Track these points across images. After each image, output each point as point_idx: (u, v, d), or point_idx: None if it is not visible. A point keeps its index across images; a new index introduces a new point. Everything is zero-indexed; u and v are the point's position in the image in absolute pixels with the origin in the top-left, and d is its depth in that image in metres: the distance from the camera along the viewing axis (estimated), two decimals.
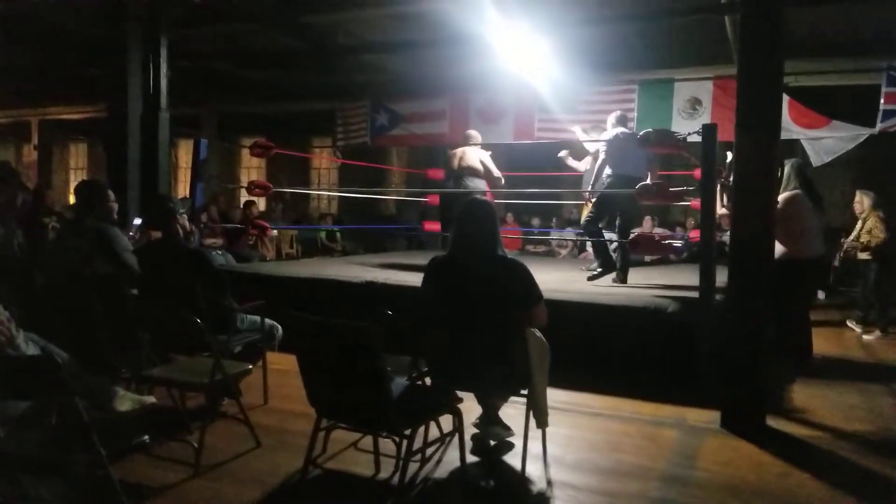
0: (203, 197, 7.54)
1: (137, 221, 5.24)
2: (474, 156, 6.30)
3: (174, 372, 3.27)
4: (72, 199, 5.62)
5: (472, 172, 6.21)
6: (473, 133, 6.57)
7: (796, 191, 4.79)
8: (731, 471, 3.08)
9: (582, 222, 5.93)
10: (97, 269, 3.83)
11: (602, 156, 5.69)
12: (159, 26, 6.38)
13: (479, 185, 6.18)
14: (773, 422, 3.68)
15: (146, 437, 2.29)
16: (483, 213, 2.94)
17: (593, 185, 5.87)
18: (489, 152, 6.50)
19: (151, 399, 3.05)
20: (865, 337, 6.34)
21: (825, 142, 7.51)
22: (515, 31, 6.20)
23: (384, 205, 12.23)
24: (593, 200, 5.83)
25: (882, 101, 6.97)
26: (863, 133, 7.24)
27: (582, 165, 6.89)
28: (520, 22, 6.11)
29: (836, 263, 8.09)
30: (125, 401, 2.87)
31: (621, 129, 5.59)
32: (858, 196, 6.63)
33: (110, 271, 3.84)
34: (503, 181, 6.45)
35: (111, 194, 4.12)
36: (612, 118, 5.79)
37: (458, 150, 6.42)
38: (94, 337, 3.49)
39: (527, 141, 8.37)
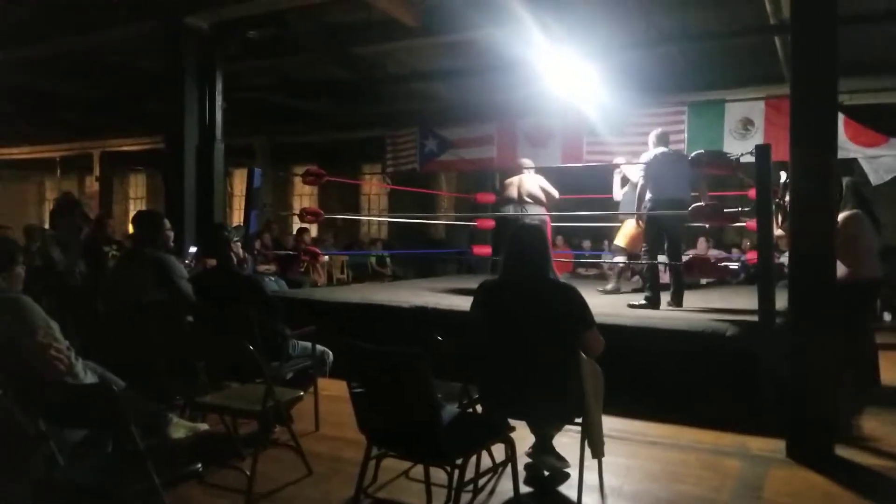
0: (257, 224, 7.72)
1: (193, 249, 5.38)
2: (533, 182, 6.43)
3: (227, 399, 3.31)
4: (131, 229, 5.84)
5: (534, 199, 6.33)
6: (528, 161, 6.74)
7: (855, 210, 4.63)
8: (798, 502, 2.94)
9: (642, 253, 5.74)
10: (154, 296, 3.93)
11: (642, 181, 5.51)
12: (215, 60, 6.64)
13: (539, 211, 6.25)
14: (842, 451, 3.50)
15: (199, 464, 2.31)
16: (533, 237, 2.92)
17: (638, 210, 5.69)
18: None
19: (204, 426, 3.09)
20: None
21: (884, 160, 7.26)
22: (562, 56, 6.22)
23: (434, 229, 12.29)
24: (643, 225, 5.66)
25: None
26: None
27: (619, 192, 6.75)
28: (567, 47, 6.12)
29: None
30: (179, 428, 2.91)
31: (661, 150, 5.40)
32: None
33: (167, 299, 3.94)
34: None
35: (167, 223, 4.25)
36: (652, 136, 5.60)
37: (515, 179, 6.55)
38: (151, 364, 3.57)
39: (575, 164, 8.30)
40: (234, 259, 3.88)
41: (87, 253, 5.37)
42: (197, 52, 6.56)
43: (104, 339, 3.58)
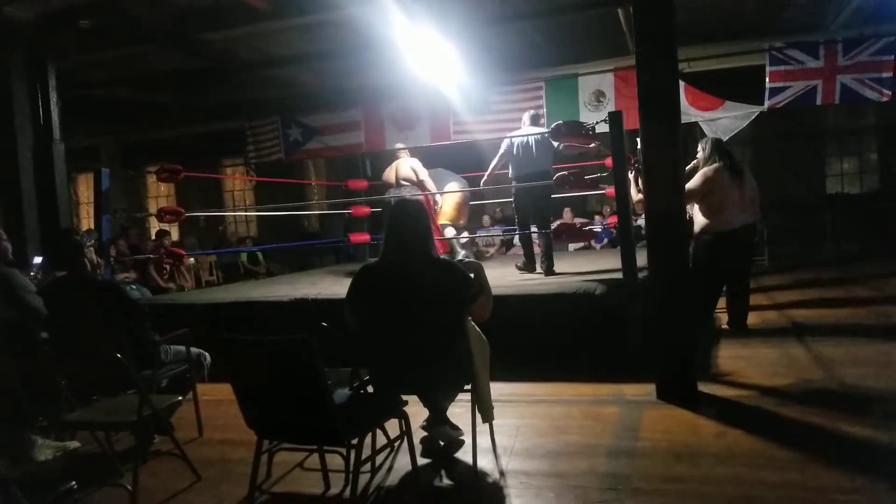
0: (110, 230, 7.15)
1: (38, 260, 4.90)
2: (407, 165, 6.63)
3: (96, 413, 3.07)
4: None
5: (409, 181, 6.55)
6: (401, 144, 7.04)
7: (716, 164, 5.03)
8: (671, 437, 3.19)
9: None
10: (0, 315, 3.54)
11: (501, 152, 5.83)
12: (45, 54, 6.02)
13: (417, 193, 6.42)
14: (704, 387, 3.84)
15: (73, 483, 2.13)
16: (413, 212, 2.91)
17: (486, 181, 6.07)
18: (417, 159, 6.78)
19: (75, 444, 2.84)
20: None
21: (721, 122, 7.92)
22: (422, 36, 6.25)
23: (307, 221, 11.98)
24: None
25: (767, 79, 7.41)
26: (754, 111, 7.69)
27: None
28: (426, 26, 6.15)
29: None
30: (45, 449, 2.66)
31: (532, 129, 5.73)
32: None
33: (13, 316, 3.56)
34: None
35: (2, 233, 3.82)
36: (526, 117, 5.93)
37: (393, 164, 6.74)
38: (5, 387, 3.22)
39: (444, 142, 8.43)
40: (88, 265, 3.57)
41: None
42: (23, 46, 5.90)
43: None
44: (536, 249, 5.91)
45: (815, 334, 5.12)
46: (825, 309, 6.23)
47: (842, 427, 3.17)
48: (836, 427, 3.18)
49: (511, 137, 5.75)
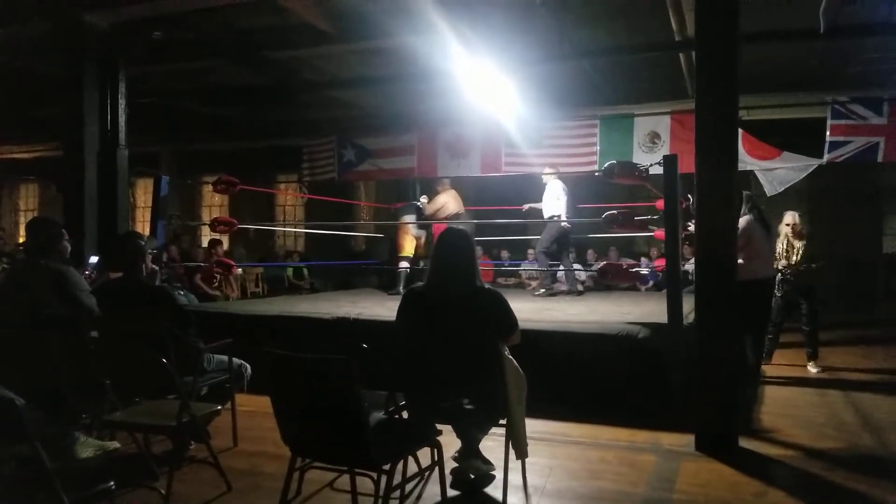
0: (164, 236, 7.37)
1: (93, 260, 5.07)
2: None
3: (138, 415, 3.14)
4: (22, 239, 5.36)
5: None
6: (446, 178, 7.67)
7: (748, 216, 5.08)
8: (708, 492, 3.09)
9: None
10: (54, 311, 3.66)
11: (565, 199, 6.78)
12: (117, 62, 6.30)
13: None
14: (745, 443, 3.72)
15: (111, 483, 2.17)
16: (461, 242, 2.94)
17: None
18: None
19: (115, 444, 2.90)
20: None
21: (777, 172, 7.77)
22: (480, 67, 6.34)
23: (353, 241, 12.13)
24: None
25: (828, 133, 7.27)
26: (812, 164, 7.52)
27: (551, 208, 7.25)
28: (485, 58, 6.24)
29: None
30: (86, 447, 2.72)
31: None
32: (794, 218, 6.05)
33: (68, 313, 3.68)
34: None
35: (65, 233, 3.96)
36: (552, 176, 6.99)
37: (449, 194, 7.17)
38: (53, 382, 3.33)
39: (494, 174, 8.45)
40: (144, 270, 3.68)
41: None
42: (97, 53, 6.20)
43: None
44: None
45: (863, 397, 4.92)
46: (875, 372, 5.98)
47: (888, 498, 3.03)
48: (881, 497, 3.04)
49: (563, 185, 6.72)
